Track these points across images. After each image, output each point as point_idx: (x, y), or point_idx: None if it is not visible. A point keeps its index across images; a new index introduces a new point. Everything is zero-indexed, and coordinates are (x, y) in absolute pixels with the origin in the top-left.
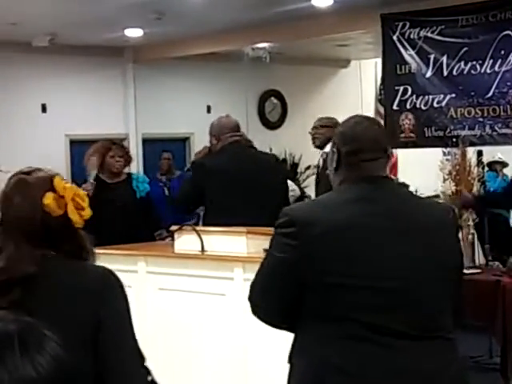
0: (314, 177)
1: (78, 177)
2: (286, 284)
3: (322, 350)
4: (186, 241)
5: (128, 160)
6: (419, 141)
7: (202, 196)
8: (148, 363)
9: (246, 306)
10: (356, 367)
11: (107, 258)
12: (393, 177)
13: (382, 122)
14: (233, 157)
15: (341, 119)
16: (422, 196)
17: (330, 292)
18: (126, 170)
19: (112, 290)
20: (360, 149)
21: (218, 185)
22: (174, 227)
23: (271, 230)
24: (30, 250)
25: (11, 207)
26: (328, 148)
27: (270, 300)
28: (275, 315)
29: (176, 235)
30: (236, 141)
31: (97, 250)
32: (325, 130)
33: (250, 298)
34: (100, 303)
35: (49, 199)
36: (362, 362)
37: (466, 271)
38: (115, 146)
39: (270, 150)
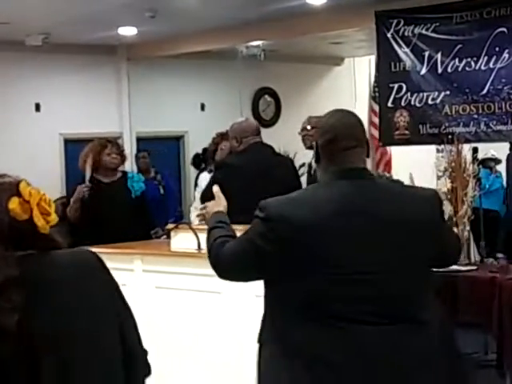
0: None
1: (72, 175)
2: (254, 267)
3: (291, 334)
4: (182, 239)
5: (123, 159)
6: (414, 138)
7: (224, 194)
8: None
9: (243, 303)
10: (326, 353)
11: (103, 257)
12: (387, 174)
13: (377, 120)
14: (255, 157)
15: None
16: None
17: (298, 283)
18: (121, 168)
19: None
20: (335, 137)
21: (240, 185)
22: (170, 225)
23: None
24: (3, 252)
25: None
26: None
27: (236, 271)
28: (235, 279)
29: (172, 233)
30: (257, 142)
31: (93, 249)
32: (314, 131)
33: (217, 261)
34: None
35: (14, 204)
36: (332, 348)
37: (461, 268)
38: (111, 144)
39: None
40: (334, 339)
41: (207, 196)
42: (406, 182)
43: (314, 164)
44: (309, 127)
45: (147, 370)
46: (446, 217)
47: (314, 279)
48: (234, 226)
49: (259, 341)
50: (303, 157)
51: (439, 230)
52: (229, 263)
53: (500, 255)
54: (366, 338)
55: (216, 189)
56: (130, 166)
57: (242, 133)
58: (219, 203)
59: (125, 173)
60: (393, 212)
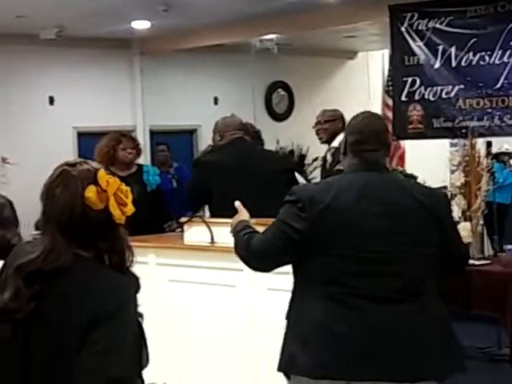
0: (320, 168)
1: None
2: (285, 248)
3: (313, 310)
4: (195, 232)
5: (138, 152)
6: (428, 132)
7: (207, 194)
8: (159, 356)
9: (257, 296)
10: (341, 327)
11: None
12: (400, 168)
13: (390, 114)
14: (235, 152)
15: (348, 111)
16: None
17: (325, 259)
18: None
19: (115, 316)
20: (362, 140)
21: (221, 180)
22: (183, 219)
23: None
24: (64, 244)
25: (53, 198)
26: (336, 142)
27: (267, 256)
28: (266, 265)
29: (186, 227)
30: (238, 137)
31: None
32: (329, 125)
33: (248, 252)
34: (98, 327)
35: (91, 192)
36: (348, 323)
37: (475, 262)
38: (125, 137)
39: (278, 141)
40: (352, 316)
41: (189, 190)
42: (420, 176)
43: (341, 156)
44: (323, 121)
45: None
46: (460, 212)
47: (338, 256)
48: (222, 220)
49: (287, 317)
50: (316, 150)
51: (447, 224)
52: (260, 249)
53: (509, 246)
54: (379, 316)
55: (238, 203)
56: (144, 159)
57: (224, 128)
58: (243, 214)
59: (140, 166)
60: (407, 201)
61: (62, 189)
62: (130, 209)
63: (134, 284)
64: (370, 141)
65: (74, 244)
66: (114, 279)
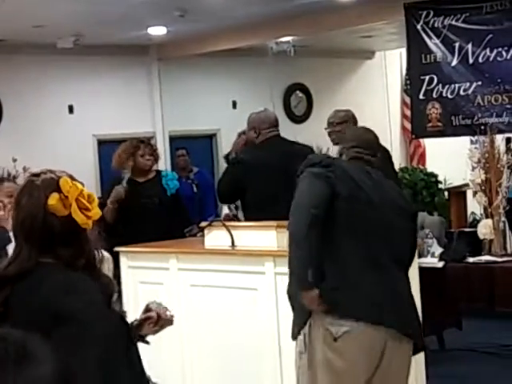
0: None
1: (106, 176)
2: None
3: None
4: (216, 236)
5: (156, 158)
6: (447, 130)
7: (242, 191)
8: (183, 360)
9: (278, 299)
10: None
11: (139, 256)
12: (421, 167)
13: (409, 113)
14: (273, 152)
15: (367, 111)
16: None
17: (351, 217)
18: (154, 167)
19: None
20: (357, 145)
21: (260, 180)
22: (203, 223)
23: None
24: (27, 251)
25: (18, 209)
26: None
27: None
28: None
29: (206, 231)
30: (276, 135)
31: (128, 249)
32: (341, 127)
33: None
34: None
35: (54, 200)
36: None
37: (497, 259)
38: (143, 144)
39: None
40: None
41: (224, 185)
42: (441, 174)
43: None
44: (335, 123)
45: None
46: (481, 209)
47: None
48: (242, 224)
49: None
50: (335, 152)
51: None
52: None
53: None
54: (395, 280)
55: None
56: (164, 164)
57: (260, 124)
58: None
59: (159, 171)
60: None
61: (27, 198)
62: (96, 212)
63: (100, 284)
64: (365, 149)
65: (36, 250)
66: (65, 279)
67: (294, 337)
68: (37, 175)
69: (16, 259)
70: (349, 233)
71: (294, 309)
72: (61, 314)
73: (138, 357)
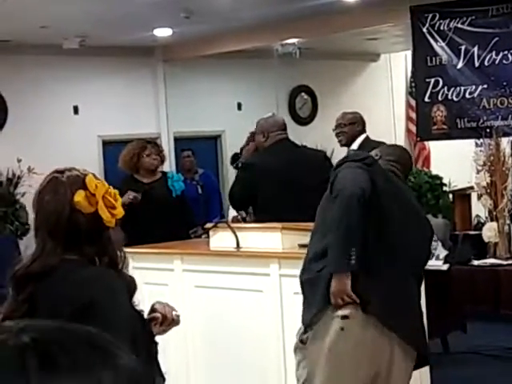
0: None
1: (111, 177)
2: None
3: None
4: (221, 238)
5: (162, 159)
6: (452, 132)
7: (254, 195)
8: (188, 360)
9: (283, 301)
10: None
11: (144, 257)
12: (425, 169)
13: (414, 115)
14: (282, 156)
15: (372, 113)
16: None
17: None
18: (160, 168)
19: (93, 308)
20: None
21: (269, 184)
22: (208, 224)
23: (305, 225)
24: (52, 248)
25: (43, 205)
26: (355, 145)
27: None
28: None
29: (211, 232)
30: (284, 139)
31: (133, 250)
32: (348, 128)
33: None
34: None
35: (80, 196)
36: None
37: (502, 262)
38: (150, 144)
39: None
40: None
41: (236, 190)
42: (446, 177)
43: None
44: (343, 124)
45: None
46: (486, 211)
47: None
48: (248, 225)
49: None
50: (341, 153)
51: None
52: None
53: None
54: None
55: None
56: (168, 166)
57: (268, 128)
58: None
59: (164, 173)
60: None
61: (52, 195)
62: (120, 211)
63: (124, 282)
64: (402, 167)
65: (61, 247)
66: (90, 272)
67: (307, 324)
68: (60, 172)
69: (41, 256)
70: (376, 230)
71: (306, 297)
72: (87, 306)
73: (156, 353)
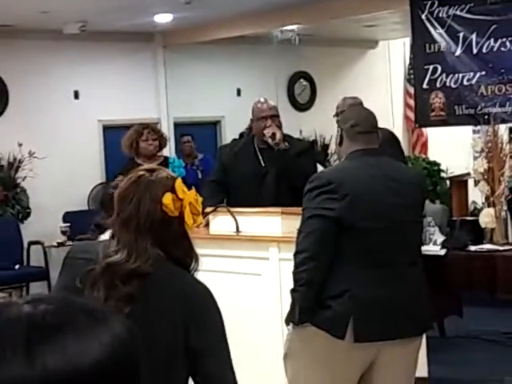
0: None
1: (111, 161)
2: (332, 231)
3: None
4: (220, 222)
5: (163, 142)
6: (450, 119)
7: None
8: None
9: (282, 285)
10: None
11: None
12: (423, 155)
13: (412, 102)
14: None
15: (370, 100)
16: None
17: (359, 232)
18: (161, 153)
19: (207, 309)
20: (356, 123)
21: (238, 171)
22: (208, 209)
23: None
24: (147, 245)
25: (131, 201)
26: None
27: (322, 247)
28: (323, 256)
29: (211, 217)
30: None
31: None
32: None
33: (301, 251)
34: (193, 320)
35: (168, 199)
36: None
37: (499, 248)
38: (147, 129)
39: (300, 132)
40: (379, 279)
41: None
42: (443, 163)
43: (336, 147)
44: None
45: None
46: (483, 197)
47: (365, 229)
48: (247, 210)
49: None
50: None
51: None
52: (310, 244)
53: None
54: (399, 277)
55: None
56: (168, 150)
57: (258, 113)
58: None
59: (166, 158)
60: (405, 179)
61: (143, 193)
62: (201, 219)
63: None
64: (363, 124)
65: (153, 246)
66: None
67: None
68: (150, 171)
69: (138, 254)
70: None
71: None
72: (199, 305)
73: None
